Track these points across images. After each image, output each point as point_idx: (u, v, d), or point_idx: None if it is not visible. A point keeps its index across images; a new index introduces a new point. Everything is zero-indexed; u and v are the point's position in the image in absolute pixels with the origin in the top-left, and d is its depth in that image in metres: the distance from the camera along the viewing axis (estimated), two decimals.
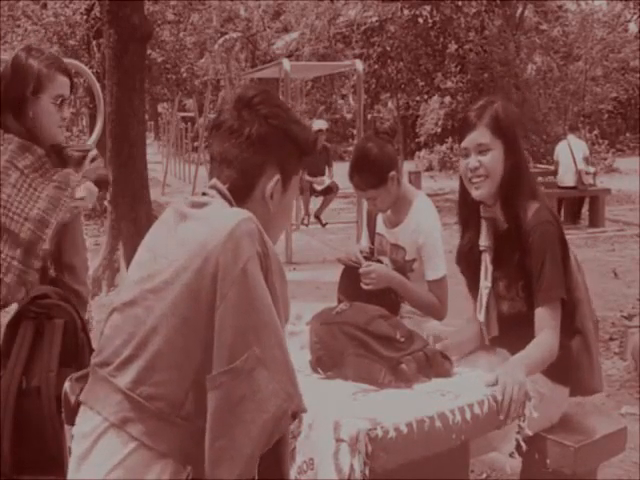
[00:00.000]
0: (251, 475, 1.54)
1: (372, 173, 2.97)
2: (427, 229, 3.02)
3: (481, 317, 2.57)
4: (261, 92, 1.77)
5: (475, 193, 2.48)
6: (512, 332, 2.49)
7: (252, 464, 1.54)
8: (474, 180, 2.46)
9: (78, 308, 2.52)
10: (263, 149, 1.72)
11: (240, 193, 1.72)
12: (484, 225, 2.54)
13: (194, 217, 1.68)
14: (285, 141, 1.74)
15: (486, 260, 2.54)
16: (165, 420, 1.57)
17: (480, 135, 2.43)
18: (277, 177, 1.73)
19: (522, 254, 2.43)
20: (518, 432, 2.17)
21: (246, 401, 1.52)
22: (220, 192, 1.71)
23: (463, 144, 2.48)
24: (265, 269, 1.59)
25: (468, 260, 2.61)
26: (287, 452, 1.71)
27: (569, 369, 2.52)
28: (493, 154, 2.43)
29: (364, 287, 2.96)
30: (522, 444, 2.18)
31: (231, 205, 1.70)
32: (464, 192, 2.54)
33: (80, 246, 2.71)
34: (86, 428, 1.65)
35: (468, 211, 2.58)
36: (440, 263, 3.02)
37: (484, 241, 2.54)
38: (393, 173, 2.98)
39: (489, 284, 2.53)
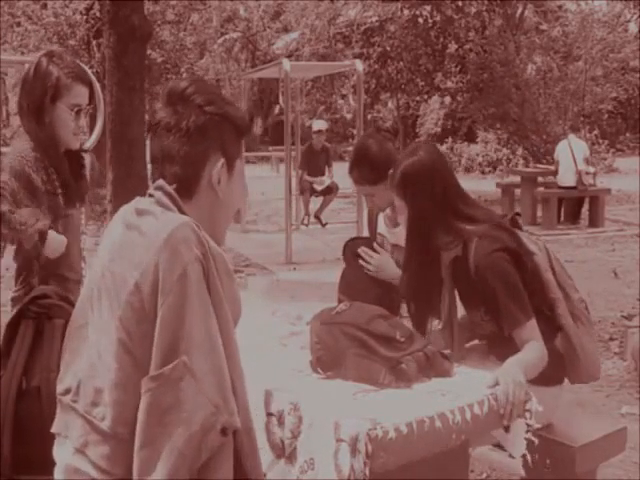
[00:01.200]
0: None
1: (371, 169, 2.97)
2: None
3: (446, 339, 2.65)
4: (192, 82, 1.74)
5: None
6: (496, 349, 2.54)
7: (178, 477, 1.48)
8: None
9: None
10: (203, 138, 1.69)
11: (187, 187, 1.70)
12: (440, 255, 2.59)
13: (134, 227, 1.66)
14: (224, 125, 1.72)
15: (446, 291, 2.61)
16: (120, 440, 1.55)
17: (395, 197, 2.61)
18: (222, 161, 1.71)
19: (473, 284, 2.47)
20: (527, 431, 2.16)
21: (172, 411, 1.49)
22: (165, 193, 1.68)
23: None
24: (207, 272, 1.57)
25: (427, 291, 2.65)
26: (255, 467, 1.67)
27: (561, 367, 2.53)
28: (405, 215, 2.59)
29: (366, 267, 2.96)
30: (534, 439, 2.17)
31: (176, 205, 1.67)
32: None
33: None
34: (61, 457, 1.66)
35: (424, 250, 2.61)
36: None
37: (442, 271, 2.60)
38: (392, 171, 2.98)
39: (454, 314, 2.63)
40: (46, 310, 2.46)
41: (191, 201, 1.70)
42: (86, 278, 1.76)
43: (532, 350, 2.38)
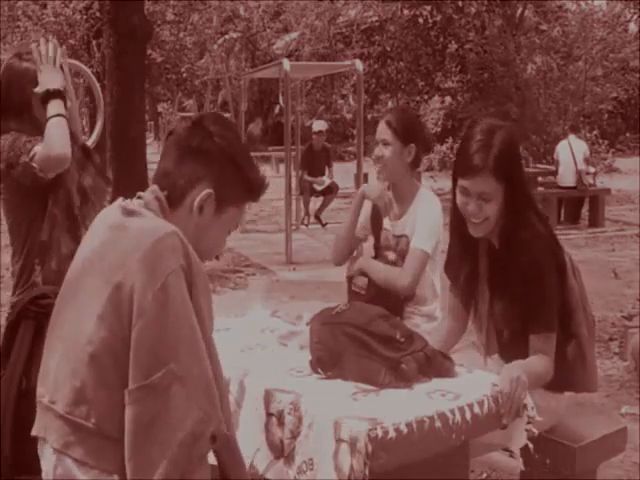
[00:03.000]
0: None
1: (403, 125, 3.06)
2: (425, 209, 3.07)
3: (482, 338, 2.60)
4: (221, 119, 1.82)
5: (472, 231, 2.46)
6: (511, 352, 2.49)
7: None
8: (473, 220, 2.42)
9: None
10: (202, 163, 1.73)
11: (174, 198, 1.72)
12: (480, 246, 2.54)
13: (121, 227, 1.67)
14: (226, 164, 1.75)
15: (483, 282, 2.55)
16: (106, 438, 1.56)
17: (484, 183, 2.34)
18: (209, 191, 1.72)
19: (518, 281, 2.42)
20: (528, 422, 2.15)
21: (161, 419, 1.50)
22: (156, 197, 1.71)
23: (463, 184, 2.39)
24: (189, 283, 1.58)
25: (466, 279, 2.60)
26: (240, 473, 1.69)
27: (565, 375, 2.52)
28: (496, 201, 2.38)
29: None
30: (534, 431, 2.17)
31: (163, 212, 1.70)
32: (462, 222, 2.49)
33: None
34: (45, 461, 1.66)
35: (466, 238, 2.53)
36: (427, 239, 3.02)
37: (481, 262, 2.55)
38: (413, 145, 3.06)
39: (486, 306, 2.55)
40: (46, 310, 2.45)
41: (176, 212, 1.72)
42: (68, 271, 1.75)
43: (539, 362, 2.38)
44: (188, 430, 1.50)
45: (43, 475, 1.67)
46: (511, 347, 2.50)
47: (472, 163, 2.35)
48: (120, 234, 1.65)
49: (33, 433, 1.69)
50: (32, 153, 2.51)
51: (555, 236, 2.50)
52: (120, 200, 1.74)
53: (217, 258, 2.00)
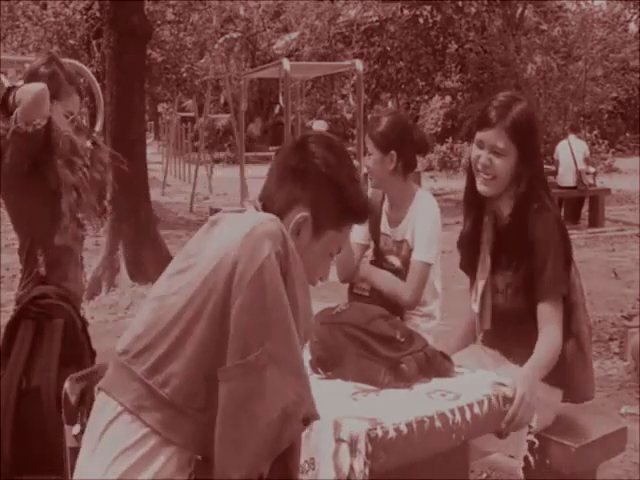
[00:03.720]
0: (258, 474, 1.54)
1: (381, 134, 3.01)
2: (423, 215, 3.05)
3: (476, 308, 2.59)
4: (323, 139, 1.81)
5: (480, 187, 2.49)
6: (505, 327, 2.52)
7: (259, 463, 1.54)
8: (482, 175, 2.47)
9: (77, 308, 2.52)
10: (300, 184, 1.73)
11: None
12: (487, 216, 2.55)
13: (224, 220, 1.73)
14: (324, 186, 1.74)
15: (485, 251, 2.55)
16: (178, 410, 1.58)
17: (497, 137, 2.41)
18: (305, 215, 1.73)
19: (524, 250, 2.43)
20: (529, 433, 2.17)
21: (255, 397, 1.53)
22: (256, 208, 1.75)
23: (478, 136, 2.47)
24: (284, 271, 1.60)
25: (468, 247, 2.63)
26: (296, 457, 1.69)
27: (563, 371, 2.52)
28: (508, 159, 2.42)
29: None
30: (535, 441, 2.18)
31: None
32: (471, 178, 2.54)
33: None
34: (101, 413, 1.66)
35: (473, 199, 2.58)
36: (427, 249, 3.01)
37: (485, 232, 2.55)
38: (393, 153, 3.01)
39: (486, 275, 2.54)
40: (46, 310, 2.46)
41: None
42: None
43: (547, 346, 2.37)
44: (281, 410, 1.53)
45: (88, 426, 1.68)
46: (505, 321, 2.51)
47: (489, 116, 2.43)
48: (219, 226, 1.72)
49: (99, 385, 1.70)
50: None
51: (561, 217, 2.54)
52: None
53: (321, 280, 2.03)
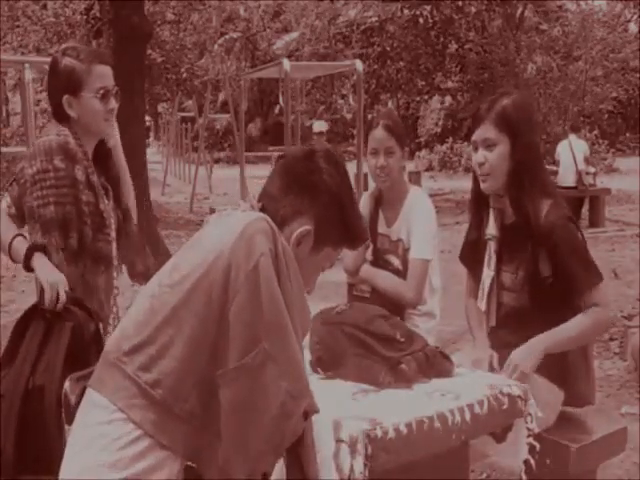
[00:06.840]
0: (261, 474, 1.54)
1: (400, 128, 3.10)
2: (416, 212, 3.07)
3: (482, 306, 2.60)
4: (331, 157, 1.81)
5: (482, 186, 2.53)
6: (509, 325, 2.52)
7: (264, 462, 1.55)
8: (480, 174, 2.51)
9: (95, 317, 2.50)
10: (307, 198, 1.74)
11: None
12: (492, 215, 2.57)
13: (216, 222, 1.75)
14: (331, 204, 1.76)
15: (490, 249, 2.58)
16: (169, 411, 1.58)
17: (486, 130, 2.47)
18: (308, 228, 1.74)
19: (529, 247, 2.44)
20: (528, 436, 2.17)
21: (255, 396, 1.54)
22: (252, 205, 1.76)
23: (472, 137, 2.53)
24: (276, 268, 1.60)
25: (474, 249, 2.65)
26: (309, 454, 1.70)
27: (566, 373, 2.52)
28: (499, 149, 2.45)
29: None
30: (535, 444, 2.17)
31: None
32: (476, 180, 2.58)
33: None
34: (91, 411, 1.65)
35: (478, 200, 2.62)
36: (425, 246, 3.03)
37: (491, 230, 2.57)
38: (407, 148, 3.14)
39: (492, 273, 2.56)
40: (57, 312, 2.45)
41: None
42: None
43: (576, 321, 2.41)
44: (281, 407, 1.54)
45: (76, 419, 1.67)
46: (510, 319, 2.53)
47: (479, 113, 2.50)
48: (213, 226, 1.75)
49: (88, 383, 1.69)
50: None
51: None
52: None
53: (308, 293, 2.03)
